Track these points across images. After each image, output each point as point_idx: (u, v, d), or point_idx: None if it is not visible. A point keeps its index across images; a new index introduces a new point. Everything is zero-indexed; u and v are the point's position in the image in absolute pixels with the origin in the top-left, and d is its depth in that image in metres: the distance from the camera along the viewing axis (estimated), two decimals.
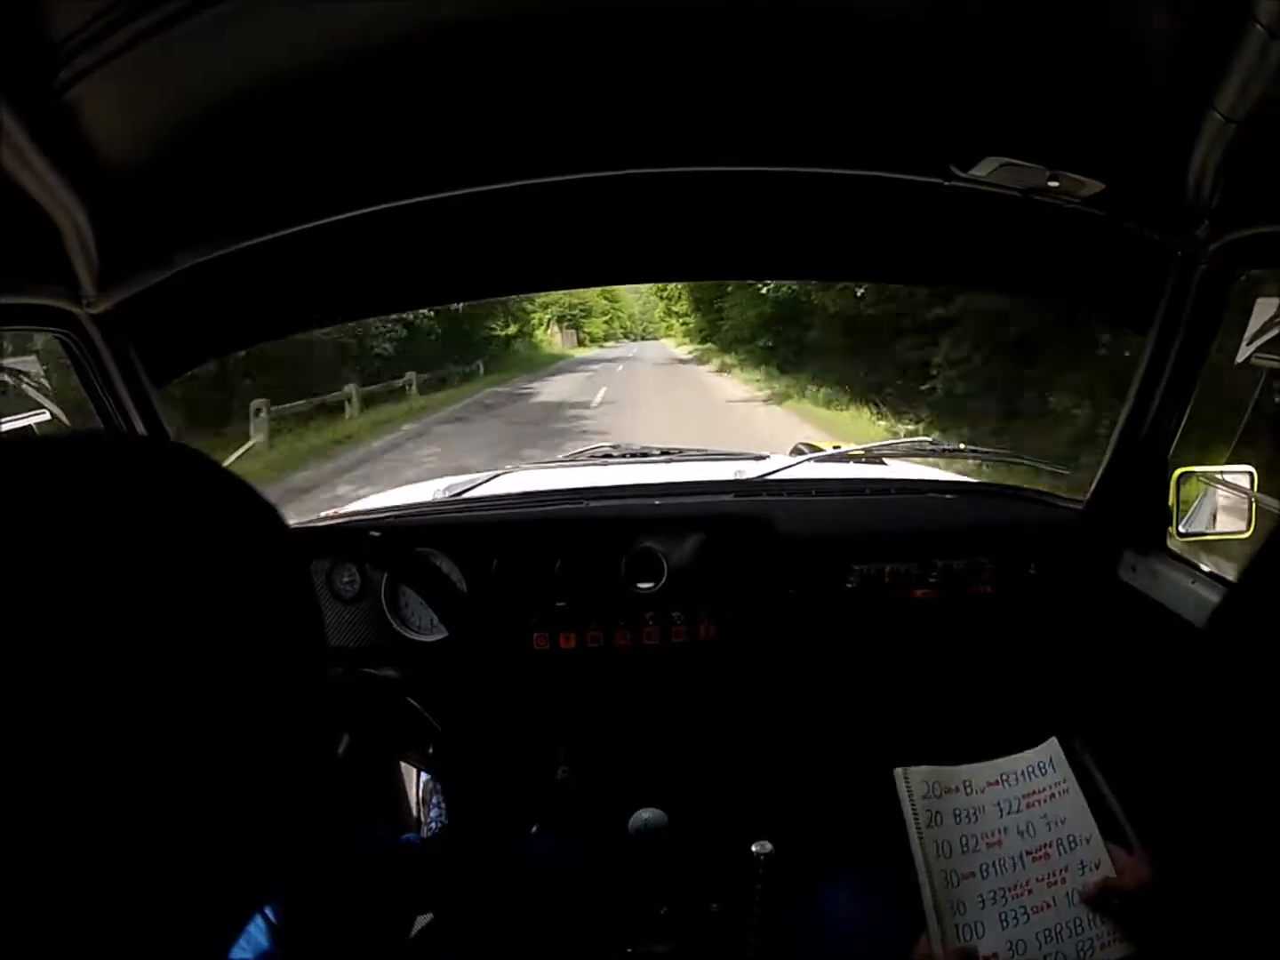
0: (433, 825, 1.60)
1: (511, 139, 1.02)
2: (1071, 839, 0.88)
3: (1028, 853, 0.87)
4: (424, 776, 1.67)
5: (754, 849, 1.21)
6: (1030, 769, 0.92)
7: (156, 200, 0.99)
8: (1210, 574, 1.21)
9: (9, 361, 1.19)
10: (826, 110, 0.99)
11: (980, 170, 1.00)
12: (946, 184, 1.03)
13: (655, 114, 1.00)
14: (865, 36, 0.87)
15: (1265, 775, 0.39)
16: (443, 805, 1.61)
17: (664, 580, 1.43)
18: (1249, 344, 1.17)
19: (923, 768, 0.89)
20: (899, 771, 0.89)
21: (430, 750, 1.34)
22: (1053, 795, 0.90)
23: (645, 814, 1.34)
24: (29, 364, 1.19)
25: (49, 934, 0.29)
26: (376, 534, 1.39)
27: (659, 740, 1.50)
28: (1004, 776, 0.91)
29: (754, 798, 1.48)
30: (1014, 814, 0.89)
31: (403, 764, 1.69)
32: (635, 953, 1.33)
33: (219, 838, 0.34)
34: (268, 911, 1.02)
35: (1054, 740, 0.93)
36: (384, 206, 1.06)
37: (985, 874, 0.86)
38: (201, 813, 0.33)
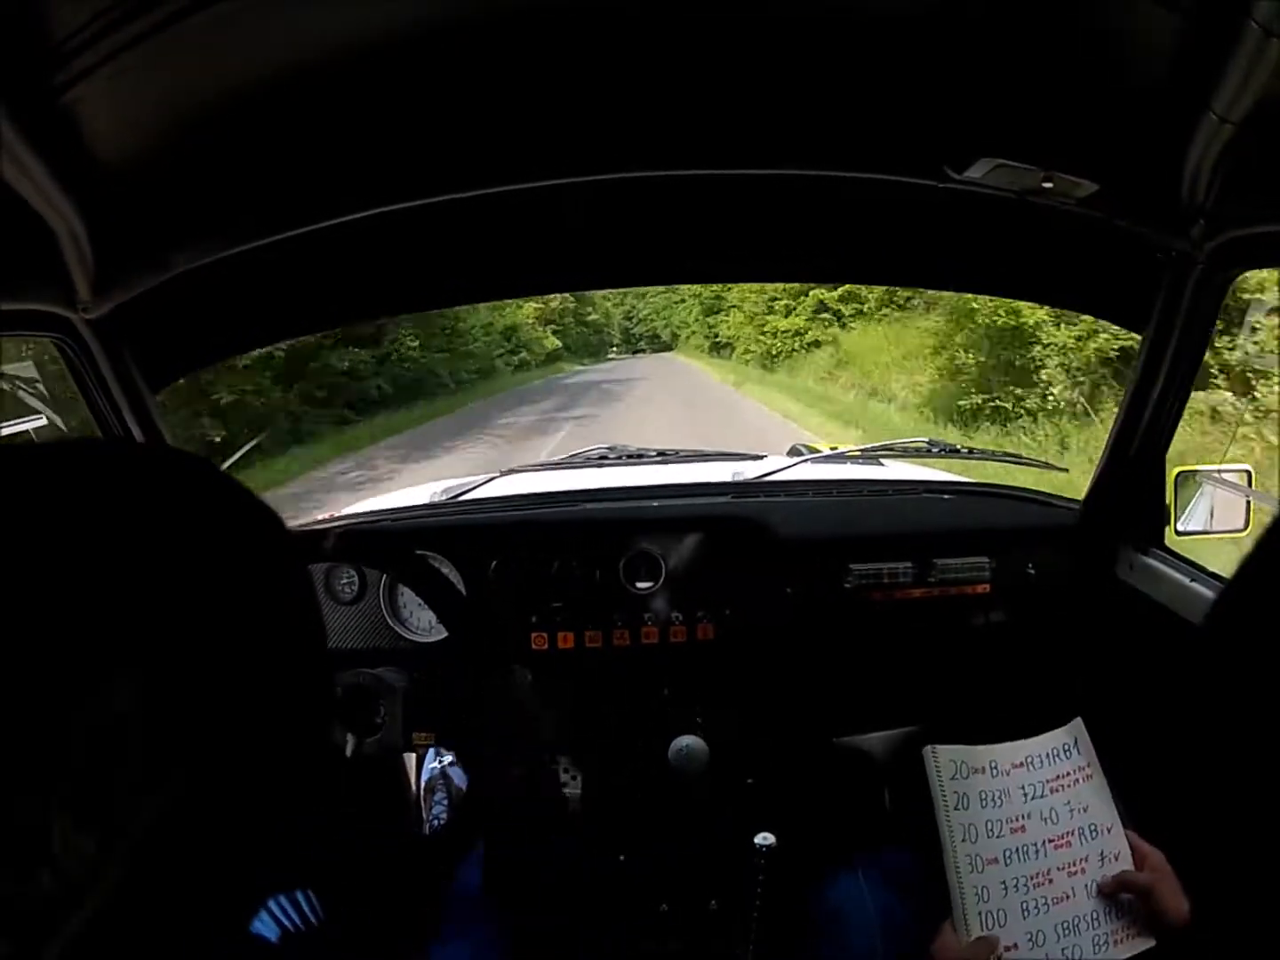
0: (435, 820, 1.61)
1: (511, 142, 1.02)
2: (1093, 828, 0.88)
3: (1049, 840, 0.87)
4: (426, 773, 1.67)
5: (756, 841, 1.22)
6: (1055, 751, 0.92)
7: (153, 204, 0.99)
8: (1209, 572, 1.21)
9: (7, 367, 1.19)
10: (820, 112, 0.99)
11: (974, 172, 1.00)
12: (941, 186, 1.03)
13: (653, 117, 1.00)
14: (858, 38, 0.86)
15: (1264, 771, 0.39)
16: (445, 800, 1.62)
17: (662, 581, 1.43)
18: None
19: (950, 747, 0.89)
20: (928, 750, 0.89)
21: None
22: (1076, 780, 0.91)
23: (685, 741, 1.39)
24: (27, 369, 1.19)
25: (54, 931, 0.29)
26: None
27: (658, 739, 1.50)
28: (1029, 759, 0.91)
29: (754, 794, 1.48)
30: (1038, 799, 0.89)
31: (405, 760, 1.70)
32: (635, 950, 1.33)
33: (221, 837, 0.34)
34: (292, 904, 1.02)
35: (1079, 721, 0.93)
36: (380, 210, 1.06)
37: (1009, 860, 0.86)
38: (204, 813, 0.33)
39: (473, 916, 1.06)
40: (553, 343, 30.96)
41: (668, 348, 41.74)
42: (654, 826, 1.44)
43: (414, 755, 1.71)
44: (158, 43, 0.73)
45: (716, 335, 28.60)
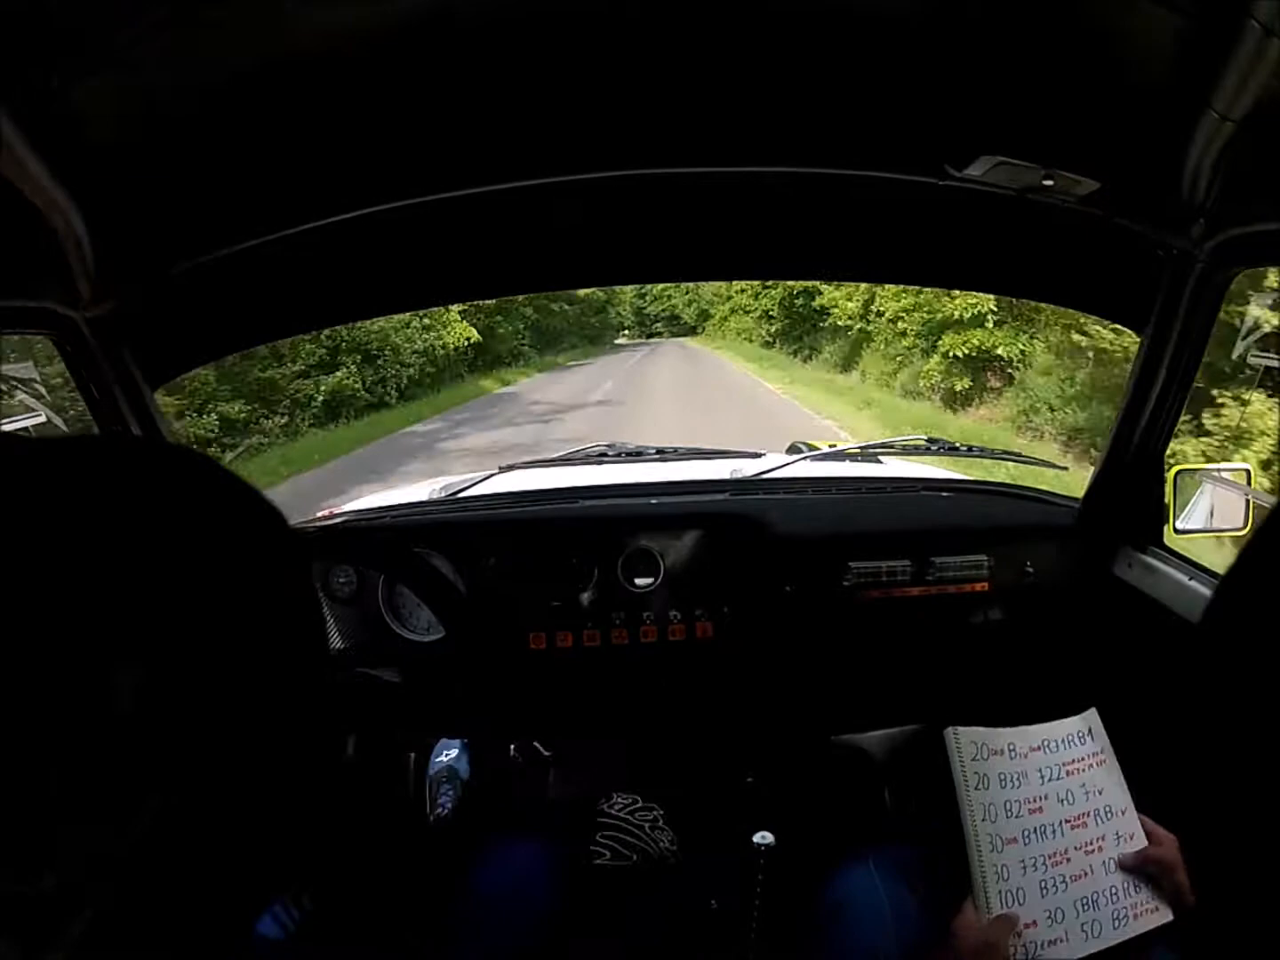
0: (442, 809, 1.61)
1: (510, 140, 1.02)
2: (1108, 809, 0.90)
3: (1066, 820, 0.89)
4: (433, 767, 1.67)
5: (755, 840, 1.22)
6: (1070, 737, 0.94)
7: (153, 204, 0.99)
8: (1207, 570, 1.22)
9: (7, 366, 1.19)
10: (822, 110, 0.98)
11: (975, 169, 1.00)
12: (941, 183, 1.03)
13: (652, 114, 1.00)
14: (860, 35, 0.86)
15: (1263, 770, 0.39)
16: (451, 793, 1.61)
17: (661, 579, 1.43)
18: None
19: (970, 729, 0.91)
20: (949, 732, 0.91)
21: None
22: (1091, 765, 0.93)
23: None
24: (26, 368, 1.18)
25: (58, 932, 0.29)
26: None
27: (658, 738, 1.50)
28: (1045, 743, 0.93)
29: (754, 792, 1.48)
30: (1055, 781, 0.91)
31: (405, 759, 1.70)
32: (636, 949, 1.34)
33: (224, 837, 0.34)
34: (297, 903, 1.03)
35: (1093, 710, 0.96)
36: (380, 208, 1.06)
37: (1027, 840, 0.88)
38: (206, 812, 0.33)
39: (478, 916, 1.06)
40: (461, 332, 16.21)
41: (691, 331, 32.71)
42: (653, 824, 1.44)
43: (413, 754, 1.71)
44: (158, 43, 0.73)
45: (814, 315, 15.92)
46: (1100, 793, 0.91)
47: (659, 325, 38.09)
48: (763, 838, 1.23)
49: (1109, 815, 0.90)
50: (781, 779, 1.52)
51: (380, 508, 1.61)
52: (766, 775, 1.51)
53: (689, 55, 0.90)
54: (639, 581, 1.43)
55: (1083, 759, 0.93)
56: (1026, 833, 0.88)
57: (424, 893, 1.34)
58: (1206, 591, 1.17)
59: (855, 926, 0.99)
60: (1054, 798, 0.90)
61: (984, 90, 0.94)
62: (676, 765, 1.51)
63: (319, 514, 1.62)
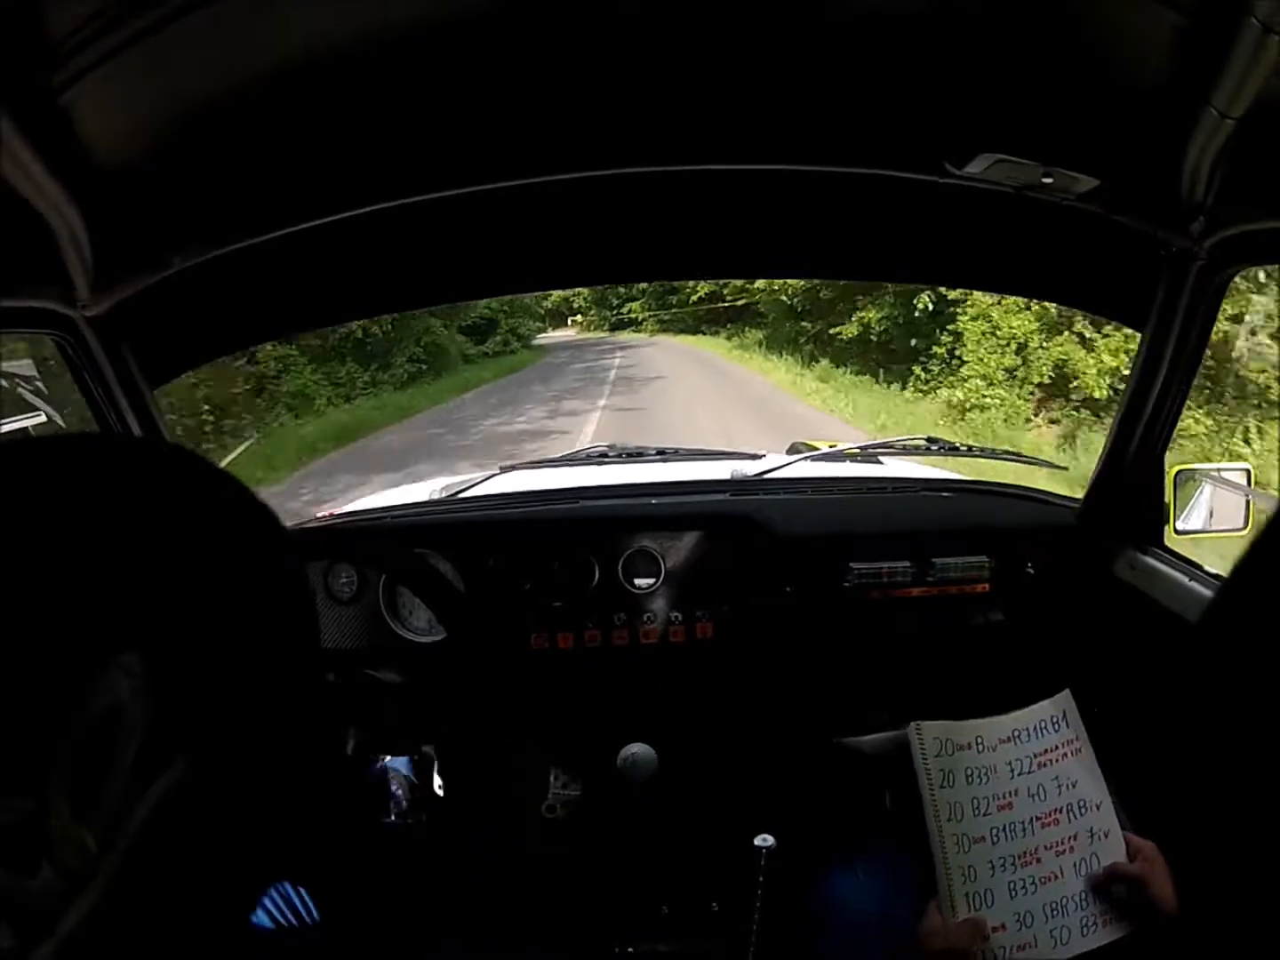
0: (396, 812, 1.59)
1: (510, 138, 1.02)
2: (1082, 804, 0.87)
3: (1037, 818, 0.86)
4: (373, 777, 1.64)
5: (756, 843, 1.22)
6: (1043, 724, 0.91)
7: (151, 202, 0.99)
8: (1208, 571, 1.21)
9: (7, 365, 1.19)
10: (821, 107, 0.98)
11: (974, 167, 1.00)
12: (941, 181, 1.03)
13: (650, 112, 1.00)
14: (860, 33, 0.86)
15: (1261, 772, 0.39)
16: (402, 798, 1.59)
17: (661, 579, 1.43)
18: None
19: (936, 722, 0.88)
20: (912, 727, 0.88)
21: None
22: (1065, 755, 0.90)
23: (634, 749, 1.36)
24: (25, 367, 1.19)
25: (54, 924, 0.29)
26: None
27: (658, 739, 1.49)
28: (1016, 733, 0.90)
29: (755, 793, 1.48)
30: (1025, 775, 0.88)
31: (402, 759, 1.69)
32: (636, 952, 1.33)
33: (216, 832, 0.34)
34: (285, 900, 1.02)
35: (1067, 693, 0.92)
36: (379, 207, 1.06)
37: (996, 839, 0.85)
38: (199, 807, 0.33)
39: (473, 917, 1.06)
40: None
41: (701, 325, 17.52)
42: (654, 827, 1.44)
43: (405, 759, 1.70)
44: (156, 42, 0.74)
45: None
46: (1074, 785, 0.88)
47: (631, 309, 21.55)
48: (763, 840, 1.23)
49: (1083, 810, 0.87)
50: (782, 781, 1.51)
51: (381, 508, 1.61)
52: (767, 777, 1.51)
53: (688, 54, 0.90)
54: (640, 582, 1.43)
55: (1056, 748, 0.90)
56: (995, 831, 0.85)
57: (417, 891, 1.34)
58: (1207, 593, 1.17)
59: (843, 934, 0.99)
60: (1024, 793, 0.87)
61: (983, 88, 0.94)
62: (676, 766, 1.51)
63: (320, 514, 1.62)
